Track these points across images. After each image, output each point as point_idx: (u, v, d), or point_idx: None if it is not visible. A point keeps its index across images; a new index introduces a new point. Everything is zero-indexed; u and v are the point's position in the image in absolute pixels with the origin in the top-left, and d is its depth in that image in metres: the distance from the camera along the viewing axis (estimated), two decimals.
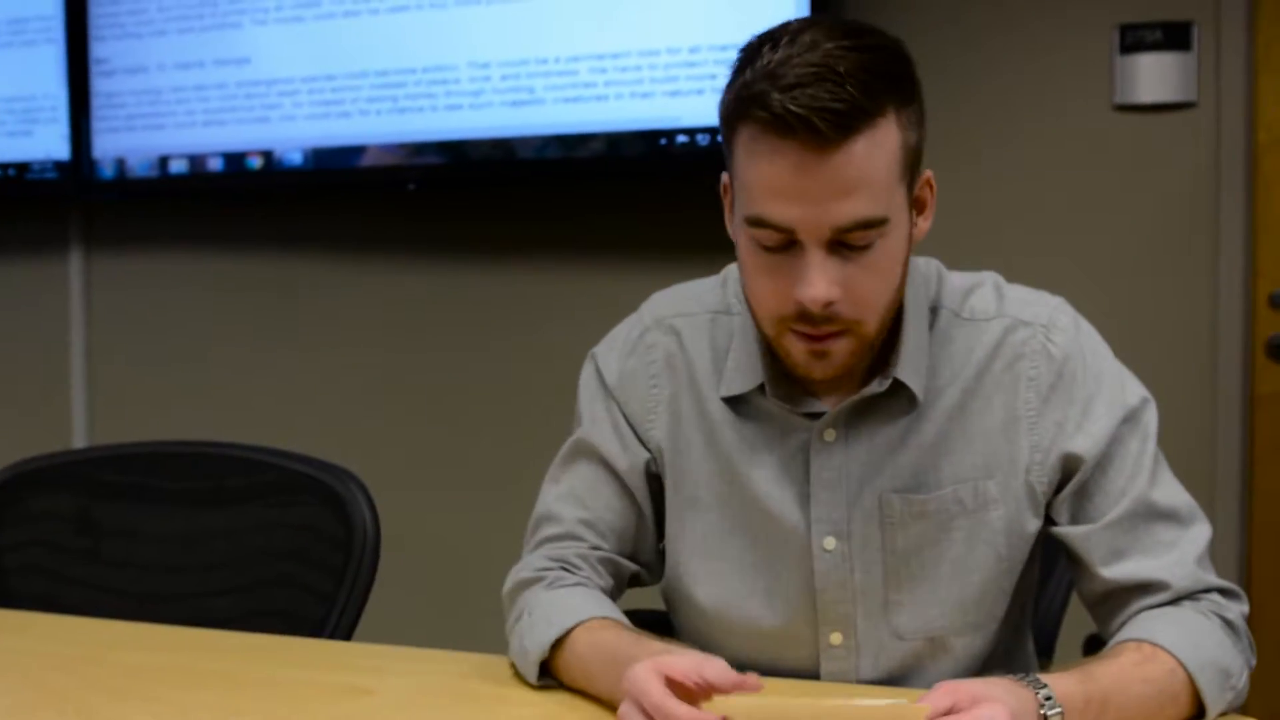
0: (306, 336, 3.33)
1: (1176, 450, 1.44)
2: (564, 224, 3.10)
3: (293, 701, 1.43)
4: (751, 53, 1.29)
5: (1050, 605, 1.70)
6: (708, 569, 1.47)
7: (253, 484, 1.83)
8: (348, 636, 1.71)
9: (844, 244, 1.28)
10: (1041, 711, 1.17)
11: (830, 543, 1.42)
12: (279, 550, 1.79)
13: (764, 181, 1.28)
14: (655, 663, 1.20)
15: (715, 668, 1.20)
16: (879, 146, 1.26)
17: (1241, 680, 1.31)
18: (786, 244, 1.30)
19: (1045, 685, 1.17)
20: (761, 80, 1.26)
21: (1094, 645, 1.70)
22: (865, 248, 1.29)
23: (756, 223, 1.30)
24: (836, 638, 1.44)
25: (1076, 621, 1.65)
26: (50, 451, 1.97)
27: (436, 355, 3.22)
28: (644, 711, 1.18)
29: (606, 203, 3.05)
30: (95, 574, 1.86)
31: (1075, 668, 1.26)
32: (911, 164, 1.32)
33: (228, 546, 1.82)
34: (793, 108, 1.23)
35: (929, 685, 1.41)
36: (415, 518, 3.06)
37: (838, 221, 1.27)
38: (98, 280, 3.54)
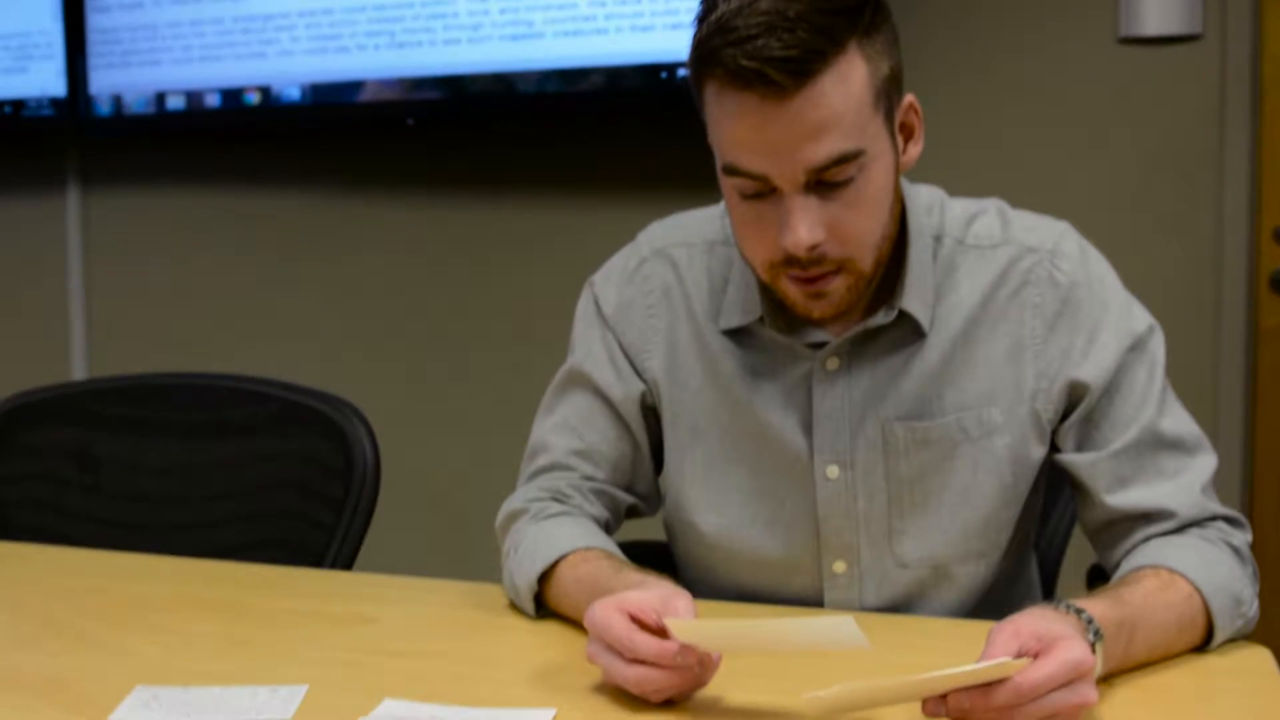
0: (305, 271, 3.32)
1: (1179, 383, 1.43)
2: (563, 158, 3.08)
3: (295, 629, 1.43)
4: (708, 5, 1.27)
5: (1053, 535, 1.70)
6: (709, 498, 1.47)
7: (253, 415, 1.82)
8: (348, 567, 1.71)
9: (823, 183, 1.26)
10: (1086, 638, 1.15)
11: (833, 471, 1.41)
12: (279, 481, 1.79)
13: (732, 134, 1.27)
14: (616, 601, 1.19)
15: (684, 603, 1.20)
16: (843, 83, 1.24)
17: (1252, 609, 1.31)
18: (765, 191, 1.28)
19: (1084, 610, 1.16)
20: (716, 35, 1.24)
21: (1097, 575, 1.70)
22: (846, 183, 1.27)
23: (731, 171, 1.29)
24: (840, 566, 1.43)
25: (1080, 552, 1.65)
26: (49, 384, 1.96)
27: (435, 289, 3.21)
28: (608, 648, 1.18)
29: (606, 137, 3.02)
30: (95, 506, 1.86)
31: (1104, 593, 1.25)
32: (887, 92, 1.29)
33: (228, 478, 1.82)
34: (745, 63, 1.21)
35: (933, 614, 1.42)
36: (415, 449, 3.06)
37: (810, 163, 1.25)
38: (95, 217, 3.52)
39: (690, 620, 1.17)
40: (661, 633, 1.15)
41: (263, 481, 1.80)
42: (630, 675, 1.16)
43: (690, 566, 1.52)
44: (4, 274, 3.61)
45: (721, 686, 1.19)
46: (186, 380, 1.90)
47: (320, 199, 3.29)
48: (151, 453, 1.85)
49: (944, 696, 1.07)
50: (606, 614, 1.18)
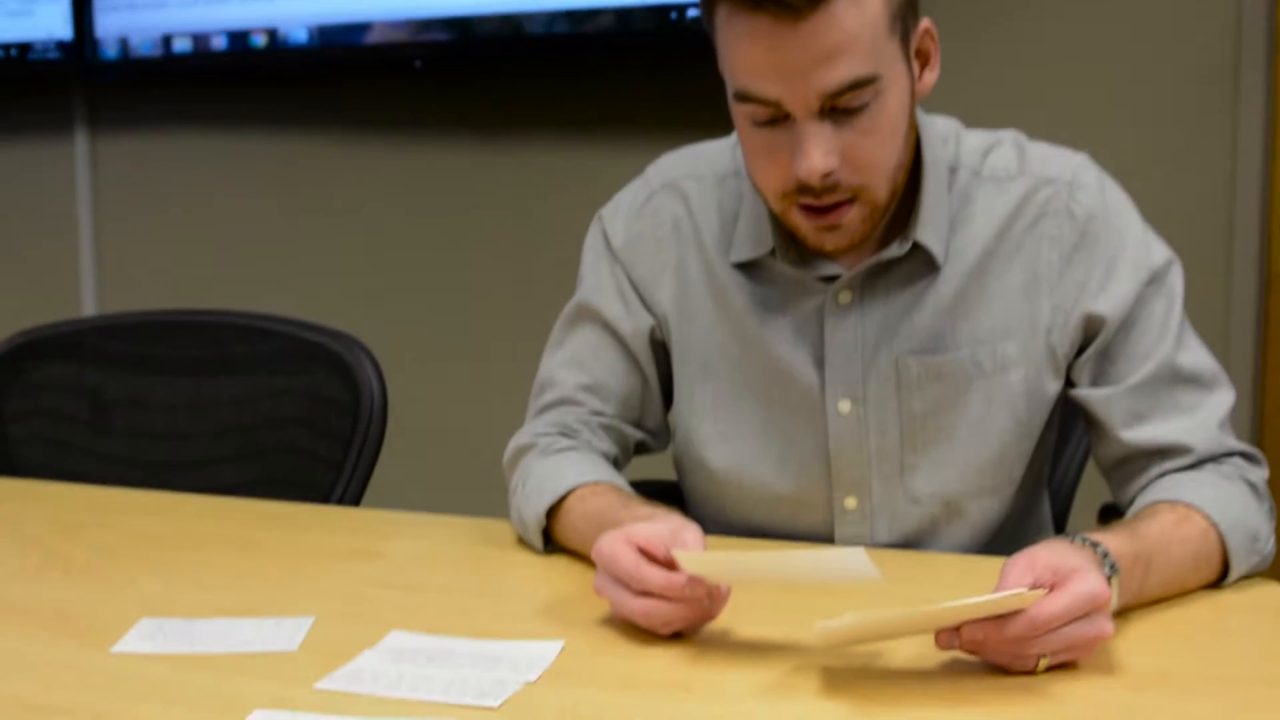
0: (312, 212, 3.30)
1: (1190, 320, 1.41)
2: (571, 100, 3.05)
3: (302, 564, 1.42)
4: None
5: (1065, 474, 1.68)
6: (720, 433, 1.45)
7: (259, 352, 1.81)
8: (355, 503, 1.70)
9: (837, 109, 1.24)
10: (1102, 571, 1.14)
11: (845, 406, 1.39)
12: (286, 418, 1.78)
13: (744, 59, 1.24)
14: (624, 533, 1.17)
15: (692, 535, 1.18)
16: (857, 6, 1.21)
17: (1268, 545, 1.29)
18: (778, 118, 1.25)
19: (1099, 544, 1.14)
20: None
21: (1109, 515, 1.69)
22: (860, 110, 1.24)
23: (743, 98, 1.26)
24: (851, 502, 1.42)
25: (1091, 491, 1.64)
26: (54, 321, 1.94)
27: (443, 229, 3.18)
28: (616, 581, 1.16)
29: (615, 78, 2.99)
30: (101, 443, 1.85)
31: (1119, 527, 1.23)
32: (903, 16, 1.26)
33: (234, 415, 1.81)
34: None
35: (944, 550, 1.41)
36: (422, 386, 3.05)
37: (824, 88, 1.22)
38: (103, 160, 3.50)
39: (699, 552, 1.15)
40: (670, 565, 1.14)
41: (269, 418, 1.79)
42: (638, 608, 1.14)
43: (700, 503, 1.51)
44: (13, 218, 3.59)
45: (730, 620, 1.17)
46: (192, 317, 1.89)
47: (327, 140, 3.26)
48: (158, 390, 1.84)
49: (957, 628, 1.05)
50: (614, 546, 1.16)
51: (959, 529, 1.42)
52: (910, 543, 1.42)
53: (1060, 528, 1.62)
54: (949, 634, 1.06)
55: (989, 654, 1.06)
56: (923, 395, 1.38)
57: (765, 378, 1.42)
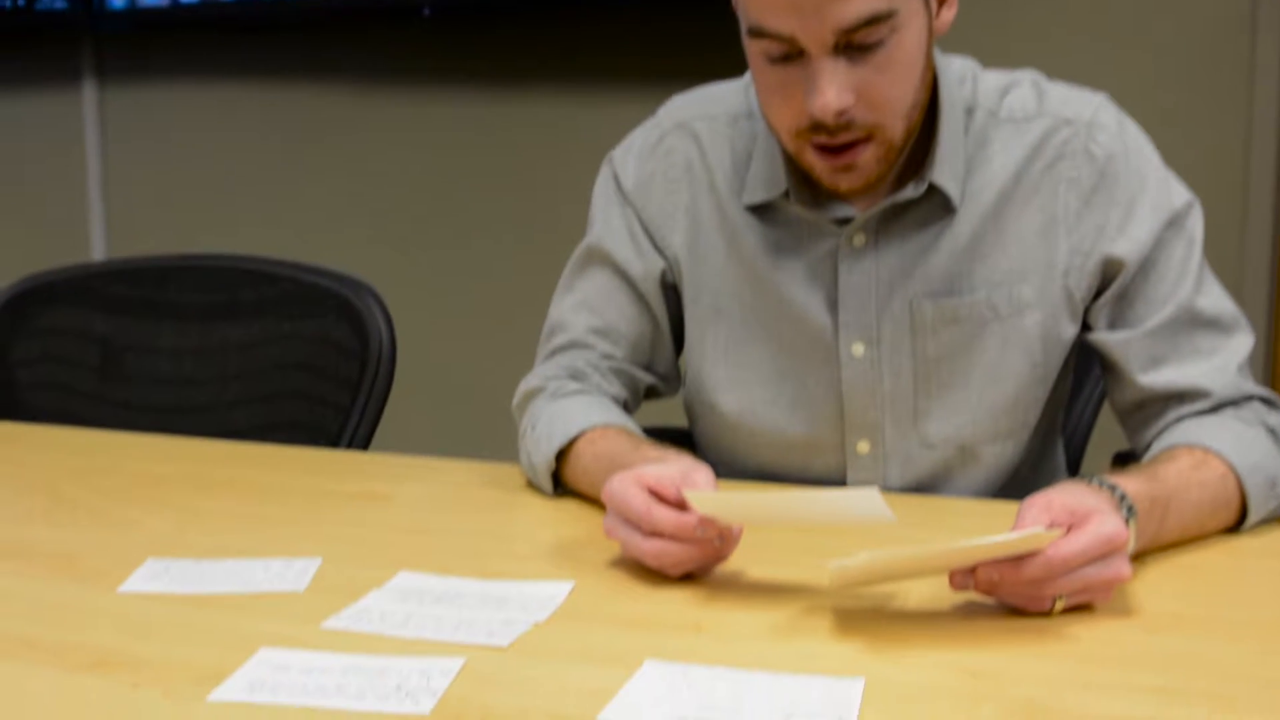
0: (321, 161, 3.28)
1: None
2: (582, 48, 3.02)
3: (310, 506, 1.41)
4: None
5: (1079, 420, 1.66)
6: (731, 377, 1.44)
7: (267, 296, 1.79)
8: (364, 448, 1.69)
9: (852, 45, 1.22)
10: (1120, 514, 1.12)
11: (858, 349, 1.38)
12: (294, 362, 1.76)
13: None
14: (634, 474, 1.16)
15: (703, 476, 1.17)
16: None
17: None
18: (792, 54, 1.23)
19: (1117, 486, 1.12)
20: None
21: (1122, 462, 1.67)
22: (876, 45, 1.22)
23: (757, 33, 1.24)
24: (864, 446, 1.40)
25: (1105, 439, 1.62)
26: (61, 266, 1.93)
27: (452, 176, 3.17)
28: (626, 522, 1.15)
29: (626, 26, 2.96)
30: (109, 388, 1.84)
31: (1137, 470, 1.22)
32: None
33: (242, 360, 1.79)
34: None
35: (958, 494, 1.39)
36: (430, 331, 3.04)
37: (840, 23, 1.20)
38: (111, 110, 3.48)
39: (710, 492, 1.14)
40: (680, 506, 1.12)
41: (277, 362, 1.77)
42: (648, 549, 1.13)
43: (711, 448, 1.50)
44: (23, 168, 3.57)
45: (741, 561, 1.16)
46: (199, 262, 1.87)
47: (335, 90, 3.24)
48: (165, 335, 1.83)
49: (972, 569, 1.04)
50: (624, 487, 1.15)
51: (973, 474, 1.41)
52: (923, 488, 1.41)
53: (1074, 475, 1.61)
54: (964, 575, 1.04)
55: (1004, 595, 1.05)
56: (937, 339, 1.37)
57: (777, 321, 1.40)
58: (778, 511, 1.16)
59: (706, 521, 1.11)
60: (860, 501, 1.06)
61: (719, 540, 1.13)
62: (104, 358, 1.84)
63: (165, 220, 3.43)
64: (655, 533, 1.13)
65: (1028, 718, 0.89)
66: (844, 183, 1.30)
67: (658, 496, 1.13)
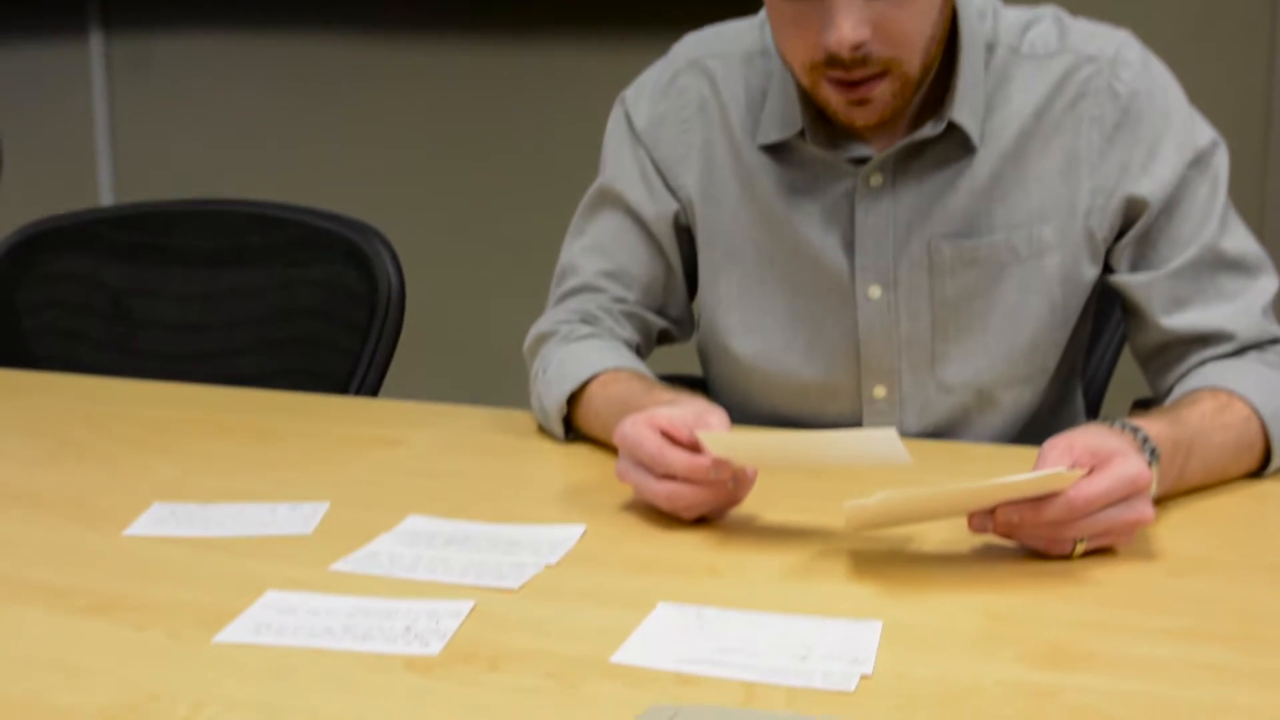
0: (330, 109, 3.24)
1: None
2: None
3: (320, 452, 1.39)
4: None
5: (1098, 366, 1.64)
6: (746, 321, 1.41)
7: (274, 241, 1.77)
8: (373, 394, 1.67)
9: None
10: (1143, 456, 1.09)
11: (875, 291, 1.35)
12: (302, 308, 1.74)
13: None
14: (646, 416, 1.14)
15: (717, 418, 1.14)
16: None
17: None
18: None
19: (1140, 429, 1.09)
20: None
21: (1142, 409, 1.65)
22: None
23: None
24: (880, 391, 1.38)
25: (1124, 383, 1.60)
26: (66, 211, 1.91)
27: (462, 122, 3.13)
28: (639, 464, 1.13)
29: None
30: (116, 335, 1.82)
31: (1160, 413, 1.19)
32: None
33: (250, 305, 1.77)
34: None
35: (976, 440, 1.37)
36: (440, 277, 3.00)
37: None
38: (118, 57, 3.45)
39: (723, 433, 1.12)
40: (694, 448, 1.10)
41: (285, 308, 1.75)
42: (661, 491, 1.11)
43: (725, 393, 1.47)
44: (30, 117, 3.55)
45: (756, 504, 1.14)
46: (206, 207, 1.85)
47: (343, 35, 3.20)
48: (172, 281, 1.81)
49: (991, 511, 1.02)
50: (637, 429, 1.13)
51: (991, 419, 1.39)
52: (940, 433, 1.39)
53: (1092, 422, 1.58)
54: (983, 516, 1.02)
55: (1024, 537, 1.03)
56: (955, 281, 1.34)
57: (793, 263, 1.38)
58: (792, 453, 1.14)
59: (720, 463, 1.09)
60: (877, 443, 1.04)
61: (732, 483, 1.11)
62: (110, 304, 1.82)
63: (173, 168, 3.41)
64: (668, 475, 1.11)
65: (1050, 661, 0.88)
66: (859, 117, 1.27)
67: (670, 439, 1.11)
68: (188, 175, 3.38)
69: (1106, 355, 1.64)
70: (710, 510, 1.13)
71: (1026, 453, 1.12)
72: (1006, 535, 1.03)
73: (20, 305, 1.86)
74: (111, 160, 3.48)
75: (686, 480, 1.10)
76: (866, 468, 1.12)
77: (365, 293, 1.67)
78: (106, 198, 3.48)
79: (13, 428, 1.52)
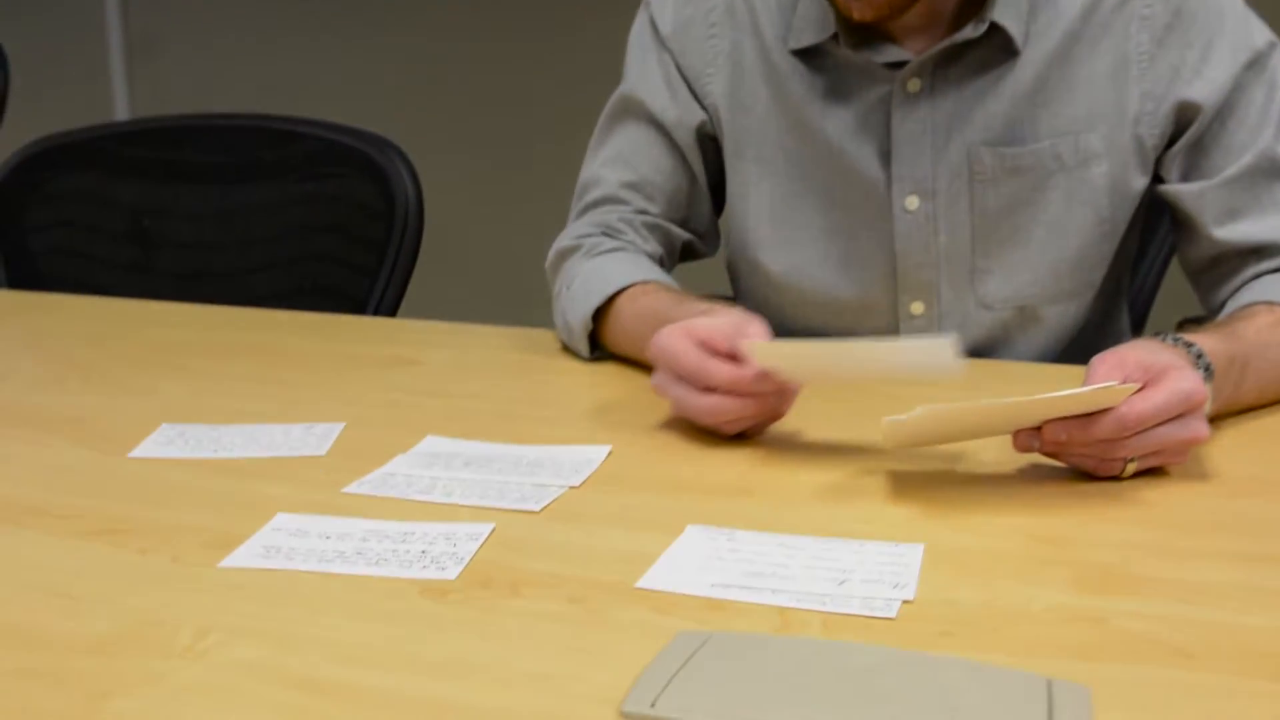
0: (347, 20, 3.18)
1: None
2: None
3: (336, 371, 1.34)
4: None
5: (1143, 284, 1.58)
6: (777, 235, 1.35)
7: (288, 156, 1.71)
8: (391, 313, 1.62)
9: None
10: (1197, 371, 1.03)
11: (913, 202, 1.29)
12: (318, 225, 1.69)
13: None
14: (684, 327, 1.08)
15: (757, 329, 1.08)
16: None
17: None
18: None
19: (1194, 344, 1.03)
20: None
21: (1184, 327, 1.59)
22: None
23: None
24: (918, 307, 1.32)
25: (1170, 302, 1.54)
26: (74, 127, 1.85)
27: (481, 32, 3.07)
28: (678, 378, 1.07)
29: None
30: (126, 254, 1.77)
31: (1213, 327, 1.13)
32: None
33: (264, 222, 1.72)
34: None
35: (1017, 359, 1.31)
36: (459, 192, 2.95)
37: None
38: None
39: (771, 342, 1.06)
40: (733, 360, 1.05)
41: (300, 225, 1.70)
42: (702, 405, 1.06)
43: (755, 310, 1.41)
44: (43, 28, 3.49)
45: (792, 421, 1.09)
46: (218, 122, 1.79)
47: None
48: (183, 198, 1.75)
49: (1038, 428, 0.96)
50: (675, 340, 1.07)
51: (1033, 337, 1.33)
52: (980, 352, 1.33)
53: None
54: (1028, 434, 0.97)
55: (1072, 457, 0.97)
56: (997, 191, 1.28)
57: (826, 173, 1.32)
58: (842, 362, 1.07)
59: (765, 375, 1.03)
60: (932, 352, 0.98)
61: (776, 396, 1.06)
62: (119, 222, 1.77)
63: (188, 82, 3.35)
64: (709, 388, 1.05)
65: (1103, 585, 0.82)
66: (855, 9, 1.21)
67: (709, 350, 1.06)
68: (205, 91, 3.32)
69: (1152, 271, 1.58)
70: (752, 425, 1.07)
71: (1071, 371, 1.06)
72: (1053, 454, 0.98)
73: (27, 225, 1.81)
74: (125, 72, 3.42)
75: (729, 393, 1.04)
76: (916, 380, 1.06)
77: (382, 209, 1.62)
78: (121, 109, 3.42)
79: (18, 348, 1.48)
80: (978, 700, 0.68)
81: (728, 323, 1.07)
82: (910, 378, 1.05)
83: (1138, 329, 1.54)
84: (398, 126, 1.93)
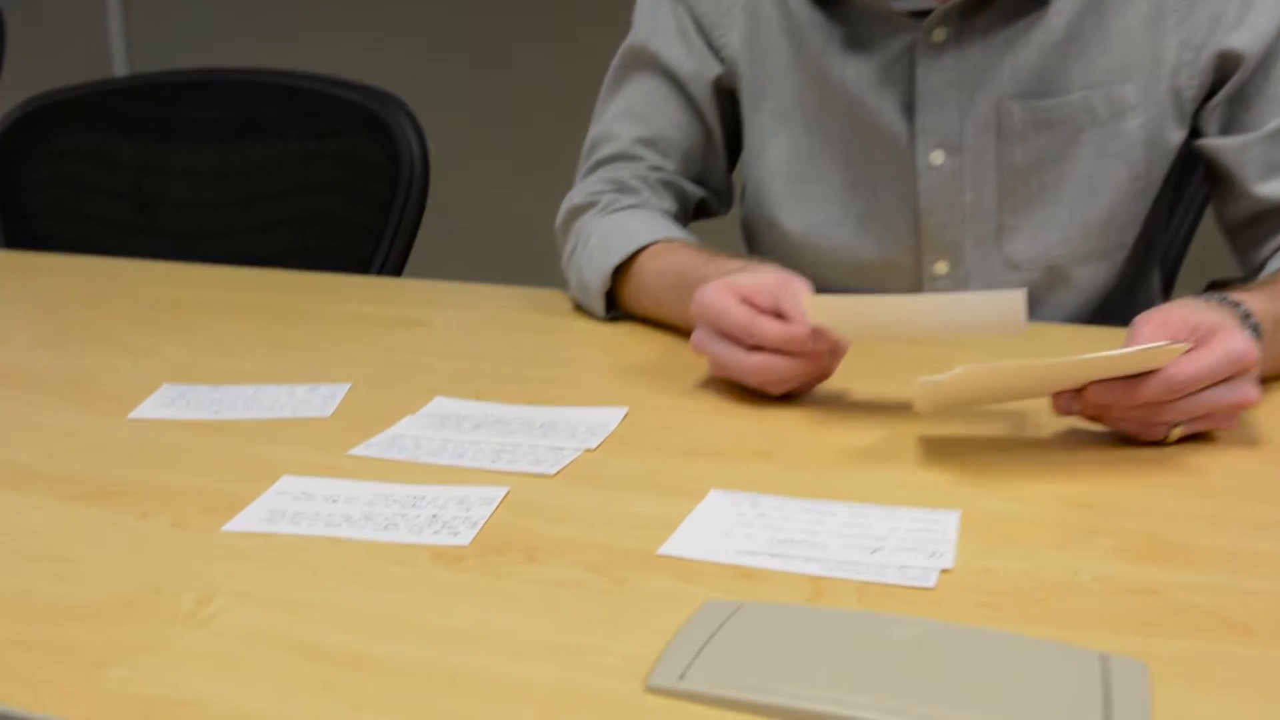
0: None
1: None
2: None
3: (339, 332, 1.30)
4: None
5: (1171, 245, 1.53)
6: (796, 192, 1.31)
7: (290, 112, 1.66)
8: (396, 274, 1.58)
9: None
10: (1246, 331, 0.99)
11: (938, 157, 1.24)
12: (321, 183, 1.64)
13: None
14: (727, 283, 1.03)
15: (801, 284, 1.03)
16: None
17: None
18: None
19: (1240, 303, 0.99)
20: None
21: (1214, 289, 1.55)
22: None
23: None
24: (942, 267, 1.28)
25: (1198, 265, 1.49)
26: (72, 84, 1.80)
27: None
28: (721, 335, 1.03)
29: None
30: (126, 213, 1.73)
31: (1258, 287, 1.08)
32: None
33: (266, 181, 1.67)
34: None
35: (1046, 320, 1.27)
36: (465, 149, 2.90)
37: None
38: None
39: (828, 297, 1.01)
40: (779, 317, 1.00)
41: (302, 183, 1.65)
42: (750, 363, 1.01)
43: None
44: None
45: (840, 380, 1.05)
46: (217, 77, 1.74)
47: None
48: (183, 156, 1.71)
49: (1079, 391, 0.92)
50: (719, 297, 1.02)
51: (1061, 298, 1.28)
52: None
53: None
54: (1069, 397, 0.92)
55: (1115, 420, 0.93)
56: (1026, 146, 1.23)
57: (847, 128, 1.27)
58: (901, 319, 1.01)
59: (818, 332, 0.99)
60: (1002, 306, 0.92)
61: (828, 354, 1.01)
62: (117, 181, 1.72)
63: (188, 38, 3.30)
64: (757, 346, 1.00)
65: (1151, 554, 0.78)
66: None
67: (754, 307, 1.01)
68: (202, 42, 3.27)
69: (1180, 232, 1.53)
70: (801, 384, 1.03)
71: (1108, 334, 1.02)
72: (1095, 418, 0.93)
73: (26, 183, 1.76)
74: (124, 27, 3.37)
75: (779, 351, 1.00)
76: (979, 335, 1.00)
77: (386, 165, 1.57)
78: (120, 65, 3.37)
79: (16, 309, 1.43)
80: (1027, 677, 0.64)
81: (771, 279, 1.03)
82: (973, 333, 1.00)
83: (1165, 293, 1.49)
84: (402, 80, 1.88)
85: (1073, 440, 0.95)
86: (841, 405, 1.03)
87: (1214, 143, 1.22)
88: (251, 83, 1.70)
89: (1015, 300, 0.91)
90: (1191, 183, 1.48)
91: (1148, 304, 1.35)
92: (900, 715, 0.60)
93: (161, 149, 1.72)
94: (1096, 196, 1.24)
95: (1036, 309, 1.28)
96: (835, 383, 1.05)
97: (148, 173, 1.72)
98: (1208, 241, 1.48)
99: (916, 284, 1.29)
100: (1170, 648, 0.68)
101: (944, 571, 0.76)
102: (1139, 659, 0.65)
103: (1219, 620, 0.70)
